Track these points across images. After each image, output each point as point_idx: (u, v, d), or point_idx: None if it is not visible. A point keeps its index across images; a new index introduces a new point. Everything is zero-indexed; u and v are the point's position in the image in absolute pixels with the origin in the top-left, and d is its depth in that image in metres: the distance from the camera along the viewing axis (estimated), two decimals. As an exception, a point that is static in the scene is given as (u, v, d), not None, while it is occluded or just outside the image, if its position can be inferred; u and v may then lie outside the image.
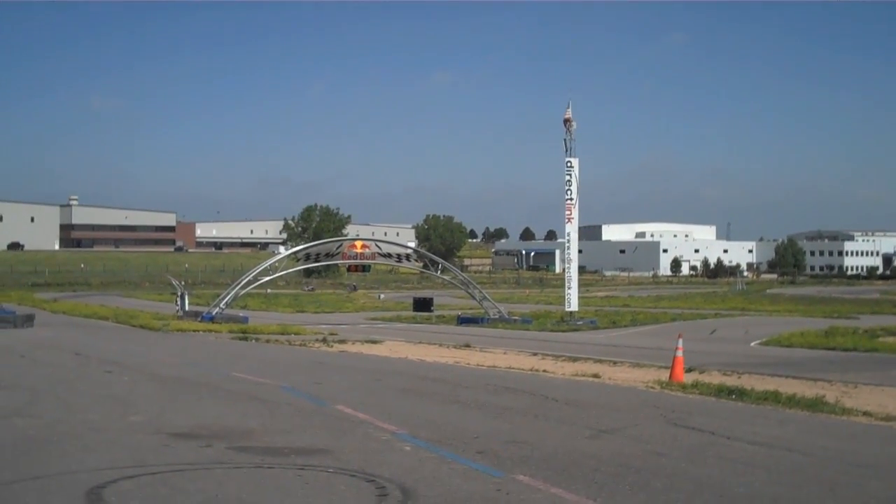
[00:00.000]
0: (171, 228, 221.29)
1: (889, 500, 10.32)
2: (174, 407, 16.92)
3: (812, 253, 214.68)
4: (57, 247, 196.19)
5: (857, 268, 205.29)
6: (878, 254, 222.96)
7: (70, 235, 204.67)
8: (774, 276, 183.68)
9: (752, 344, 38.78)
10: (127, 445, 12.84)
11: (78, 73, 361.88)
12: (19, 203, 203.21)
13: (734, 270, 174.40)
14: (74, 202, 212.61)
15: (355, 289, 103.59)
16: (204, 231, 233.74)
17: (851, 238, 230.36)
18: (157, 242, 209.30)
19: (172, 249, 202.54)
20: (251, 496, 9.92)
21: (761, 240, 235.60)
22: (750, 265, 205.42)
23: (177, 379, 22.28)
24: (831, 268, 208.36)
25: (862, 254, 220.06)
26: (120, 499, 9.70)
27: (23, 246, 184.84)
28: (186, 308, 56.37)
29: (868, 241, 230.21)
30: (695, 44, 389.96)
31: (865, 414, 16.46)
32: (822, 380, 22.39)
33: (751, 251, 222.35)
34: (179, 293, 58.73)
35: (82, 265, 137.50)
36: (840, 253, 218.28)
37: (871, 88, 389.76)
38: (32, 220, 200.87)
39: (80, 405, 17.13)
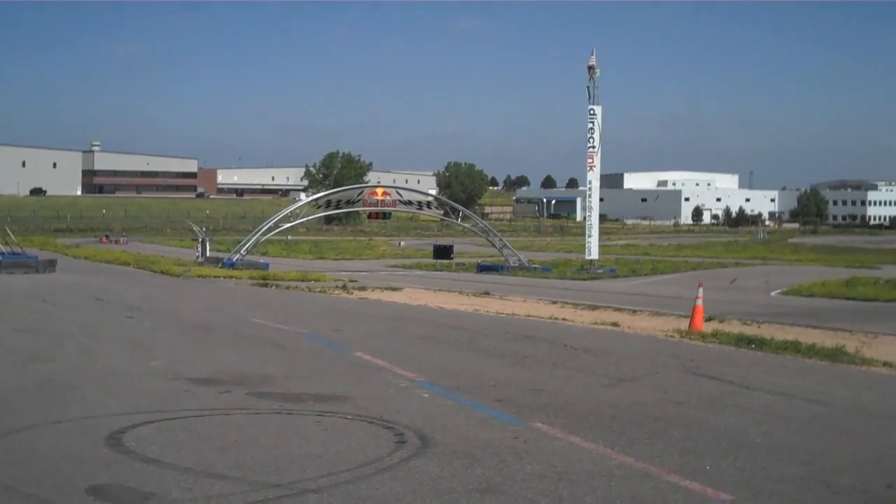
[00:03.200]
0: (192, 175, 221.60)
1: (908, 451, 10.29)
2: (194, 352, 17.04)
3: (835, 202, 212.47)
4: (79, 192, 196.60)
5: (880, 217, 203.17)
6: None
7: (92, 181, 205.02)
8: (796, 225, 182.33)
9: (773, 293, 38.64)
10: (147, 390, 12.94)
11: (102, 19, 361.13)
12: (42, 149, 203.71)
13: (756, 219, 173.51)
14: (97, 148, 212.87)
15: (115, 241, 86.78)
16: (225, 177, 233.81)
17: (875, 188, 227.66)
18: (178, 189, 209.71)
19: (194, 196, 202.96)
20: (270, 441, 9.97)
21: (784, 189, 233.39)
22: (772, 214, 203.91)
23: (197, 325, 22.42)
24: (854, 217, 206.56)
25: (885, 203, 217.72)
26: (140, 443, 9.77)
27: (45, 191, 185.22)
28: (207, 254, 56.56)
29: (892, 190, 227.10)
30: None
31: (885, 364, 16.38)
32: (843, 330, 22.28)
33: (773, 200, 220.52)
34: (200, 239, 58.95)
35: (104, 211, 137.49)
36: (863, 202, 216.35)
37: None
38: (55, 165, 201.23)
39: (101, 350, 17.27)
